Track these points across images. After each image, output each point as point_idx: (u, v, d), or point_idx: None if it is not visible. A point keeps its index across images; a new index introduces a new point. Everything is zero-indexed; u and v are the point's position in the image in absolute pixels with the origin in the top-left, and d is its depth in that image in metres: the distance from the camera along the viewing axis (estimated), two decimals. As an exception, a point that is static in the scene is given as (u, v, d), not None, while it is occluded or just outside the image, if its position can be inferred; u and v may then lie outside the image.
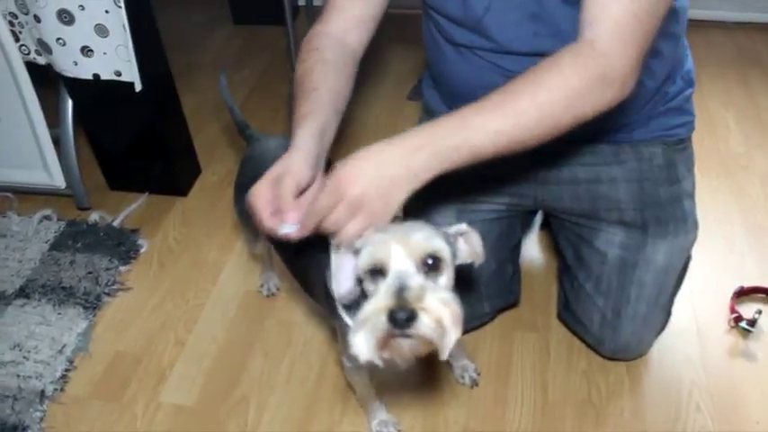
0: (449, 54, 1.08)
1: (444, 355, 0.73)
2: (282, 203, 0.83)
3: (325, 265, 0.88)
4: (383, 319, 0.71)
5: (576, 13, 0.85)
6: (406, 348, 0.73)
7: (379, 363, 0.74)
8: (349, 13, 1.04)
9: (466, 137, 0.80)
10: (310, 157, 0.86)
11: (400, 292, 0.72)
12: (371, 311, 0.72)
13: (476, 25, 0.99)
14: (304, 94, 0.94)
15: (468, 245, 0.83)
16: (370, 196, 0.77)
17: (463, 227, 0.82)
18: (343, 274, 0.83)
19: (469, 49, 1.04)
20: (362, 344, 0.73)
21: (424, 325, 0.70)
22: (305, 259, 1.01)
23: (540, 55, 0.85)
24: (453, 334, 0.72)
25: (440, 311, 0.71)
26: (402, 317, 0.70)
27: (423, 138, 0.79)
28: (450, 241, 0.80)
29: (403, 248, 0.74)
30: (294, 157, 0.86)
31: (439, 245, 0.77)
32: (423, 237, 0.76)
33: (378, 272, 0.76)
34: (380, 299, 0.73)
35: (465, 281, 0.83)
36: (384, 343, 0.72)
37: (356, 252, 0.79)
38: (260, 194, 0.85)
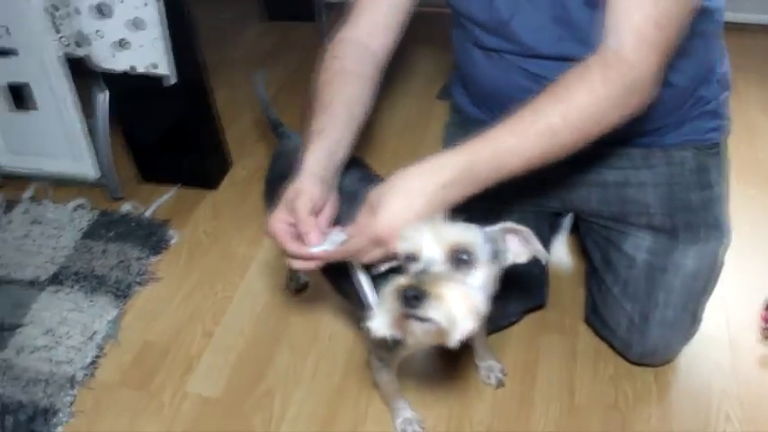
0: (477, 58, 1.08)
1: (451, 343, 0.73)
2: (301, 225, 0.86)
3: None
4: (396, 297, 0.72)
5: (598, 16, 0.84)
6: (417, 331, 0.73)
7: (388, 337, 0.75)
8: (374, 18, 1.04)
9: (499, 164, 0.82)
10: (319, 177, 0.89)
11: (419, 274, 0.74)
12: (390, 290, 0.74)
13: (502, 29, 0.99)
14: (320, 107, 0.96)
15: (522, 242, 0.83)
16: None
17: (508, 224, 0.82)
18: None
19: (497, 52, 1.04)
20: (378, 320, 0.75)
21: (432, 308, 0.71)
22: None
23: (566, 59, 0.85)
24: (464, 325, 0.72)
25: (454, 299, 0.71)
26: (410, 294, 0.71)
27: (456, 169, 0.81)
28: (492, 239, 0.80)
29: (434, 238, 0.76)
30: (303, 178, 0.88)
31: (470, 239, 0.77)
32: (456, 230, 0.77)
33: (412, 259, 0.78)
34: (401, 280, 0.74)
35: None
36: (399, 323, 0.74)
37: None
38: (278, 221, 0.88)
